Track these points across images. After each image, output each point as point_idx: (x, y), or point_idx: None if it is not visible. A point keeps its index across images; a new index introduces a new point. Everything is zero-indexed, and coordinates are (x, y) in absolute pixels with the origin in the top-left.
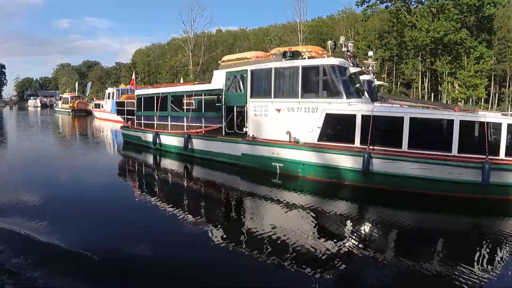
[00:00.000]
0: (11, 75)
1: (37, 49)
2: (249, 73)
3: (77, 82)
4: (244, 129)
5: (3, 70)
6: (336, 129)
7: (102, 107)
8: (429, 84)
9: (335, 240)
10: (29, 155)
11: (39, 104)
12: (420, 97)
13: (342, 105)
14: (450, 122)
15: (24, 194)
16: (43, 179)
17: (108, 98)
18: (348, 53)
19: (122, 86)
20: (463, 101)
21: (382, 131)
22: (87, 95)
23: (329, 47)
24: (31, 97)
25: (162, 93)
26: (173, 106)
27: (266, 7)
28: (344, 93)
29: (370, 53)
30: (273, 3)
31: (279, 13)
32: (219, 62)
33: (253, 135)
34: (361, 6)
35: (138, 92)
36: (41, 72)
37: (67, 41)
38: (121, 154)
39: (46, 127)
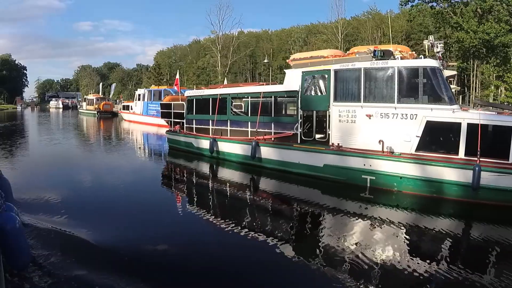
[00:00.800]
0: (32, 77)
1: (59, 51)
2: (332, 73)
3: (101, 83)
4: (319, 136)
5: (25, 71)
6: (438, 138)
7: (131, 109)
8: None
9: (432, 261)
10: (68, 161)
11: (61, 106)
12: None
13: (446, 112)
14: None
15: (70, 198)
16: (86, 184)
17: (138, 99)
18: (438, 54)
19: (153, 87)
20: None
21: (490, 141)
22: (111, 96)
23: (426, 47)
24: (53, 99)
25: (221, 94)
26: (234, 109)
27: (288, 9)
28: (447, 99)
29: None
30: (296, 5)
31: (301, 15)
32: (287, 61)
33: (338, 144)
34: (405, 5)
35: (189, 93)
36: (62, 73)
37: (88, 44)
38: (167, 161)
39: (74, 130)
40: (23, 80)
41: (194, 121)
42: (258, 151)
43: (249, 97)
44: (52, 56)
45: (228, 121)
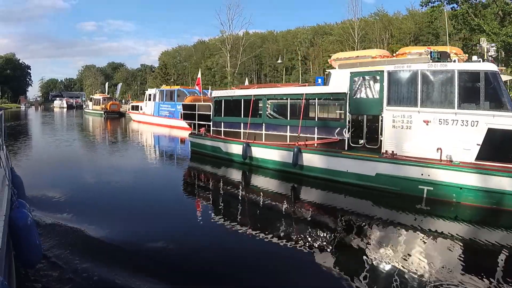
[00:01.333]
0: (36, 76)
1: (62, 51)
2: (385, 75)
3: (107, 83)
4: (369, 143)
5: (29, 71)
6: (500, 147)
7: (141, 109)
8: None
9: (492, 280)
10: (81, 163)
11: (65, 105)
12: None
13: (509, 119)
14: None
15: (84, 199)
16: (101, 186)
17: (149, 99)
18: (490, 58)
19: (165, 87)
20: None
21: None
22: (117, 96)
23: (485, 50)
24: (57, 98)
25: (255, 95)
26: (270, 111)
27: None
28: (508, 105)
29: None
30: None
31: (306, 16)
32: (329, 61)
33: (392, 151)
34: (425, 6)
35: (216, 93)
36: (66, 73)
37: (92, 44)
38: (190, 166)
39: (83, 131)
40: (27, 79)
41: (222, 123)
42: (300, 158)
43: (289, 99)
44: (55, 56)
45: (263, 124)
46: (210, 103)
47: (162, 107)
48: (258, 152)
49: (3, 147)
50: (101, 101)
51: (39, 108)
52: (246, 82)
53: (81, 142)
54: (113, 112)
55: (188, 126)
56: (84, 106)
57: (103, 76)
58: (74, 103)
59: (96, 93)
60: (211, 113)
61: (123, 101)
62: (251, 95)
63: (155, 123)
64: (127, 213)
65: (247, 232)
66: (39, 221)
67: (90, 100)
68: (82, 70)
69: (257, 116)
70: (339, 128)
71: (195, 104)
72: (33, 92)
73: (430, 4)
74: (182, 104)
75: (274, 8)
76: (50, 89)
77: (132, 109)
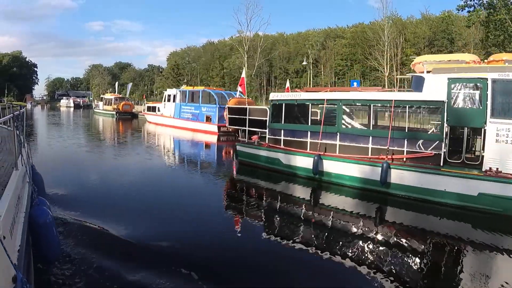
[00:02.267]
0: (42, 75)
1: (69, 50)
2: (489, 83)
3: (117, 82)
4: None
5: (35, 69)
6: None
7: (158, 110)
8: None
9: None
10: (102, 168)
11: (72, 104)
12: None
13: None
14: None
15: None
16: (131, 194)
17: (168, 100)
18: None
19: (186, 87)
20: None
21: None
22: (127, 96)
23: None
24: (64, 97)
25: (328, 99)
26: (347, 119)
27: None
28: None
29: None
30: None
31: (316, 18)
32: (412, 65)
33: (496, 169)
34: (462, 11)
35: (276, 96)
36: (72, 72)
37: (99, 43)
38: (237, 179)
39: (98, 133)
40: (33, 77)
41: (282, 131)
42: (389, 175)
43: (372, 105)
44: (62, 55)
45: (338, 134)
46: (265, 107)
47: (184, 109)
48: (332, 166)
49: (25, 145)
50: (112, 101)
51: (45, 107)
52: (287, 84)
53: (99, 145)
54: (126, 112)
55: (214, 131)
56: (93, 105)
57: (110, 75)
58: (81, 102)
59: (107, 92)
60: (268, 118)
61: (144, 100)
62: (323, 99)
63: (175, 126)
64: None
65: (325, 257)
66: (59, 219)
67: (101, 100)
68: (89, 70)
69: (331, 124)
70: (434, 141)
71: (247, 108)
72: (39, 90)
73: (467, 8)
74: (228, 108)
75: (281, 10)
76: (56, 88)
77: (148, 110)
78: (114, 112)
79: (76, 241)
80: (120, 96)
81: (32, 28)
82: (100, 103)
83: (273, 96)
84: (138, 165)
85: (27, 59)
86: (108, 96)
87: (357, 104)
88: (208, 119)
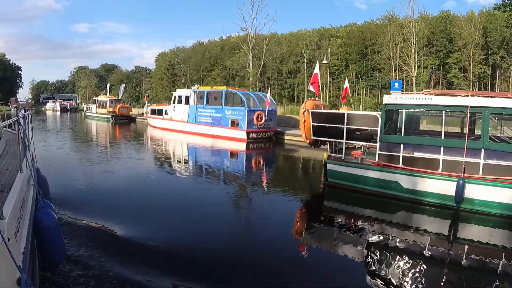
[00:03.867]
0: (27, 78)
1: (55, 52)
2: None
3: (108, 84)
4: None
5: (20, 72)
6: None
7: (166, 113)
8: None
9: None
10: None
11: (58, 108)
12: None
13: None
14: None
15: None
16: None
17: (179, 102)
18: None
19: (203, 87)
20: None
21: None
22: (120, 97)
23: None
24: (49, 100)
25: (472, 106)
26: (495, 132)
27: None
28: None
29: None
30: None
31: (307, 17)
32: None
33: None
34: (498, 10)
35: (391, 99)
36: (57, 75)
37: (85, 46)
38: (329, 207)
39: (102, 140)
40: (18, 80)
41: (401, 146)
42: None
43: None
44: (48, 57)
45: (483, 150)
46: (375, 113)
47: (202, 112)
48: (478, 192)
49: (29, 147)
50: (107, 104)
51: (29, 111)
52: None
53: (108, 156)
54: (123, 116)
55: (241, 137)
56: (85, 109)
57: (97, 77)
58: (68, 105)
59: (100, 94)
60: (380, 128)
61: (145, 102)
62: (465, 106)
63: (190, 131)
64: None
65: None
66: (64, 221)
67: (94, 102)
68: (75, 72)
69: (475, 138)
70: None
71: (344, 114)
72: (24, 94)
73: (503, 8)
74: (312, 113)
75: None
76: (41, 91)
77: (151, 114)
78: (110, 116)
79: (81, 243)
80: (116, 98)
81: (18, 30)
82: (93, 106)
83: (389, 99)
84: (157, 175)
85: (10, 62)
86: (102, 98)
87: (509, 114)
88: (234, 124)
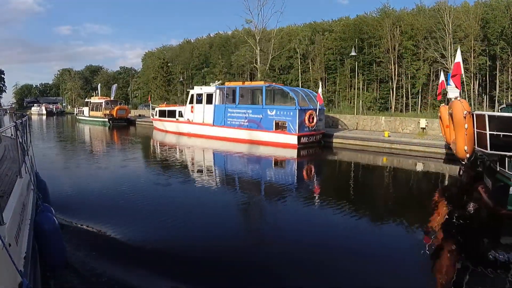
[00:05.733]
0: (10, 82)
1: (38, 56)
2: None
3: (99, 84)
4: None
5: (2, 76)
6: None
7: (181, 115)
8: None
9: None
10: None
11: (44, 112)
12: None
13: None
14: None
15: None
16: None
17: (199, 102)
18: None
19: (233, 83)
20: None
21: None
22: (112, 98)
23: None
24: (34, 104)
25: None
26: None
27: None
28: None
29: None
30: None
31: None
32: None
33: None
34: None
35: None
36: (41, 78)
37: (68, 48)
38: None
39: (113, 152)
40: (1, 85)
41: None
42: None
43: None
44: (30, 61)
45: None
46: None
47: (233, 113)
48: None
49: (28, 152)
50: (103, 106)
51: (13, 115)
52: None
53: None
54: (121, 119)
55: (291, 143)
56: (76, 112)
57: (82, 79)
58: (54, 109)
59: (93, 96)
60: None
61: (149, 103)
62: None
63: (217, 136)
64: None
65: None
66: (64, 225)
67: (86, 105)
68: (59, 75)
69: None
70: None
71: None
72: (7, 98)
73: None
74: (478, 116)
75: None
76: (25, 95)
77: (160, 116)
78: (107, 119)
79: (82, 247)
80: (112, 99)
81: None
82: (85, 109)
83: None
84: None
85: None
86: (95, 100)
87: None
88: (280, 127)
